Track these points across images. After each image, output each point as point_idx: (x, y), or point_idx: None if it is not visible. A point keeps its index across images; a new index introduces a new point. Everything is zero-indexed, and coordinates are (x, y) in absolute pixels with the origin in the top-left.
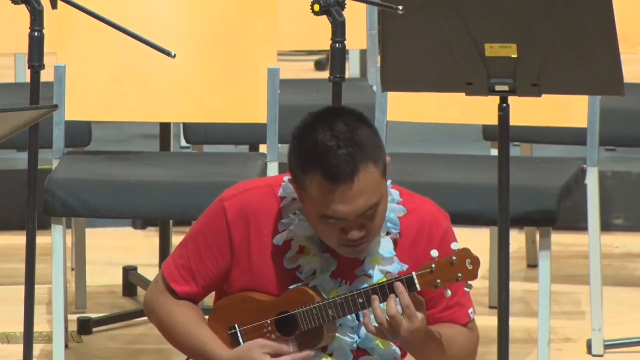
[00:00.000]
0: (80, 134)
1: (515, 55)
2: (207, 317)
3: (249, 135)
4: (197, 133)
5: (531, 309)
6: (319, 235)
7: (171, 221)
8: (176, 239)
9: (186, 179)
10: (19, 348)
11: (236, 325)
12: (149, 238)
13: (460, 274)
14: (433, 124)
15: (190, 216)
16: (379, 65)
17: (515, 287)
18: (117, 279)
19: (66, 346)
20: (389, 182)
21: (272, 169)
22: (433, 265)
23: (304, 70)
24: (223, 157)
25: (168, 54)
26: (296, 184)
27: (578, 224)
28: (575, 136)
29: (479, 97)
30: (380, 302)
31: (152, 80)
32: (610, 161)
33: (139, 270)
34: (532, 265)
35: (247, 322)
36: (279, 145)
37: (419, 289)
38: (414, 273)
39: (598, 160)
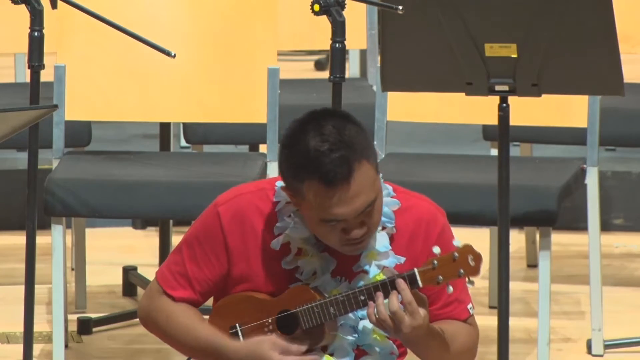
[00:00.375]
0: (80, 134)
1: (515, 55)
2: (206, 317)
3: (249, 135)
4: (197, 133)
5: (531, 309)
6: (320, 238)
7: (171, 221)
8: (176, 239)
9: (186, 179)
10: (19, 348)
11: (237, 325)
12: (149, 238)
13: (462, 270)
14: (433, 124)
15: (190, 216)
16: (379, 65)
17: (515, 287)
18: (117, 279)
19: (66, 346)
20: (380, 176)
21: (272, 169)
22: (435, 262)
23: (304, 70)
24: (223, 157)
25: (168, 54)
26: (291, 192)
27: (578, 224)
28: (575, 136)
29: (479, 97)
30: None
31: (152, 80)
32: (610, 161)
33: (139, 270)
34: (532, 265)
35: (248, 322)
36: (279, 145)
37: (421, 285)
38: (416, 270)
39: (598, 160)
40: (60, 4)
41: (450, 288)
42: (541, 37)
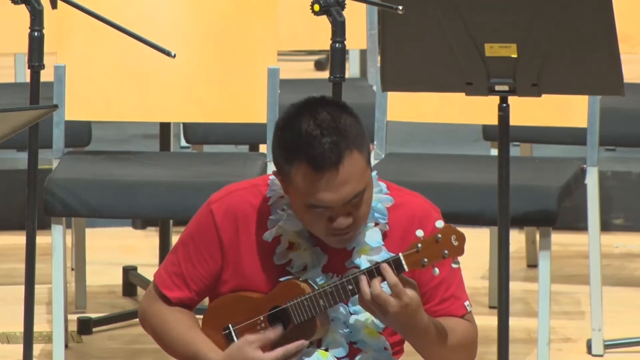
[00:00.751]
0: (80, 134)
1: (515, 55)
2: (201, 318)
3: (249, 135)
4: (197, 133)
5: (531, 309)
6: (306, 225)
7: (171, 221)
8: (176, 239)
9: (186, 179)
10: (19, 348)
11: (230, 326)
12: (149, 238)
13: (446, 251)
14: (433, 124)
15: (190, 216)
16: (379, 65)
17: (515, 287)
18: (117, 279)
19: (66, 346)
20: (374, 173)
21: (272, 169)
22: (419, 245)
23: (304, 70)
24: (223, 157)
25: (168, 54)
26: (281, 175)
27: (578, 224)
28: (575, 136)
29: (479, 97)
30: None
31: (152, 80)
32: (610, 161)
33: (139, 270)
34: (532, 265)
35: (240, 321)
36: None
37: (407, 269)
38: (400, 254)
39: (598, 160)
40: (60, 4)
41: (437, 270)
42: (541, 37)
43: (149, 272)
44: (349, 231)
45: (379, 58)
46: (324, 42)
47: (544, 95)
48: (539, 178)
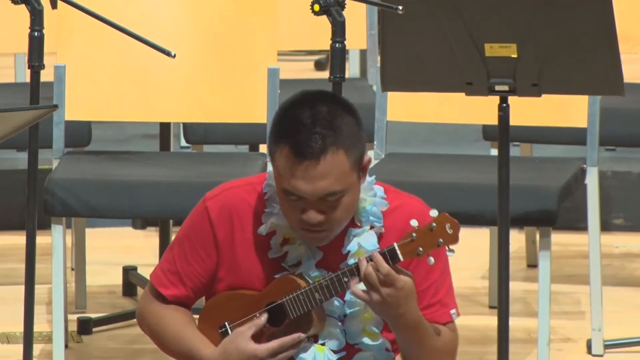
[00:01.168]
0: (80, 134)
1: (515, 55)
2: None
3: (249, 135)
4: (197, 133)
5: (531, 309)
6: (284, 214)
7: (171, 221)
8: None
9: (186, 179)
10: (19, 348)
11: (226, 323)
12: (149, 238)
13: (441, 240)
14: (433, 124)
15: None
16: (379, 65)
17: (515, 287)
18: (117, 279)
19: (66, 346)
20: (372, 178)
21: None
22: (414, 234)
23: (304, 70)
24: (223, 157)
25: (168, 54)
26: (269, 156)
27: (578, 224)
28: (575, 136)
29: (479, 97)
30: None
31: (152, 80)
32: (610, 161)
33: (139, 270)
34: (532, 265)
35: (236, 319)
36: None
37: (402, 259)
38: (395, 244)
39: (598, 160)
40: (60, 4)
41: (431, 259)
42: (541, 37)
43: (149, 272)
44: (320, 230)
45: (379, 58)
46: (324, 42)
47: (544, 95)
48: (539, 178)
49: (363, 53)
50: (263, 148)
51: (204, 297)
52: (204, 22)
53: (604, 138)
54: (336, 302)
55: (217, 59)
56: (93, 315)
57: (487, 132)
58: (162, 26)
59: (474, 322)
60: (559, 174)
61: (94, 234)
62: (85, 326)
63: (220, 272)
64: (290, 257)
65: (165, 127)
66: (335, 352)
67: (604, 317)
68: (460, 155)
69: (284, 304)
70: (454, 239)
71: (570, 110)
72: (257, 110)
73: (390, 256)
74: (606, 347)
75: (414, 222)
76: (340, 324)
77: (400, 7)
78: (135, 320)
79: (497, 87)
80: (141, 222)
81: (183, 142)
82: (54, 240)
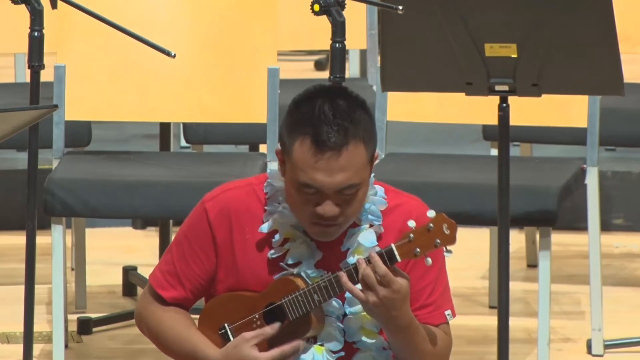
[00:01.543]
0: (80, 134)
1: (515, 55)
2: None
3: (249, 135)
4: (197, 133)
5: (531, 309)
6: (293, 209)
7: (171, 221)
8: None
9: (186, 179)
10: (19, 348)
11: (225, 325)
12: (149, 238)
13: (438, 240)
14: (433, 124)
15: None
16: (379, 65)
17: (515, 287)
18: (117, 279)
19: (66, 346)
20: (372, 176)
21: (272, 169)
22: (411, 235)
23: (304, 70)
24: (223, 157)
25: (168, 54)
26: (283, 150)
27: (578, 224)
28: (575, 136)
29: (479, 97)
30: None
31: (152, 80)
32: (610, 161)
33: (139, 270)
34: (532, 265)
35: (236, 320)
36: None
37: (399, 260)
38: (393, 244)
39: (598, 160)
40: (60, 4)
41: (429, 260)
42: (541, 37)
43: (149, 272)
44: (332, 223)
45: (379, 58)
46: (324, 42)
47: (544, 95)
48: (539, 178)
49: (363, 53)
50: (263, 148)
51: (203, 298)
52: (204, 22)
53: (604, 138)
54: (335, 303)
55: (217, 59)
56: (93, 315)
57: (487, 132)
58: (162, 26)
59: (474, 322)
60: (559, 174)
61: (94, 234)
62: (85, 326)
63: (219, 274)
64: (291, 256)
65: (165, 127)
66: (334, 352)
67: (603, 317)
68: (460, 155)
69: (283, 305)
70: (452, 239)
71: (570, 110)
72: (257, 110)
73: (387, 257)
74: (606, 347)
75: (411, 223)
76: (339, 323)
77: (400, 7)
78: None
79: (497, 87)
80: (141, 222)
81: (183, 142)
82: (54, 240)
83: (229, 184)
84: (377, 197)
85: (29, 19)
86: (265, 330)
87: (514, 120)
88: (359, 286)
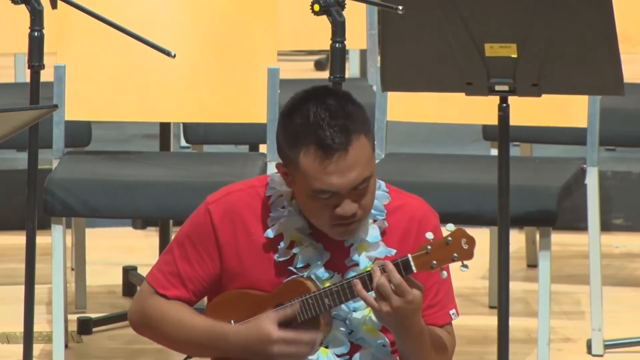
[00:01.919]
0: (80, 134)
1: (515, 55)
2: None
3: (249, 135)
4: (197, 133)
5: (531, 309)
6: (310, 217)
7: (171, 221)
8: None
9: (186, 179)
10: (19, 348)
11: (232, 321)
12: (149, 238)
13: (456, 254)
14: (433, 124)
15: None
16: (379, 65)
17: (515, 287)
18: (117, 279)
19: (66, 346)
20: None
21: (272, 169)
22: (429, 247)
23: (304, 70)
24: (223, 157)
25: (168, 54)
26: (286, 164)
27: (578, 224)
28: (575, 136)
29: (479, 97)
30: None
31: (152, 80)
32: (610, 161)
33: (139, 270)
34: (532, 265)
35: (242, 318)
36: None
37: (415, 270)
38: (409, 255)
39: (598, 160)
40: (60, 4)
41: (445, 273)
42: (541, 37)
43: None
44: (353, 220)
45: (379, 58)
46: (324, 42)
47: (544, 95)
48: (539, 178)
49: (363, 53)
50: (263, 148)
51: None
52: (204, 22)
53: (604, 138)
54: (344, 306)
55: (217, 59)
56: (93, 315)
57: (487, 132)
58: (162, 26)
59: (474, 322)
60: (559, 174)
61: (94, 234)
62: (85, 326)
63: (224, 276)
64: (299, 260)
65: (165, 127)
66: (339, 356)
67: (603, 317)
68: (460, 155)
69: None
70: (469, 254)
71: (570, 110)
72: (257, 110)
73: (403, 267)
74: (606, 347)
75: (429, 235)
76: (346, 325)
77: (400, 7)
78: None
79: (497, 87)
80: (141, 222)
81: (183, 142)
82: (54, 240)
83: (231, 186)
84: (380, 191)
85: (29, 19)
86: (285, 311)
87: (514, 120)
88: (372, 294)
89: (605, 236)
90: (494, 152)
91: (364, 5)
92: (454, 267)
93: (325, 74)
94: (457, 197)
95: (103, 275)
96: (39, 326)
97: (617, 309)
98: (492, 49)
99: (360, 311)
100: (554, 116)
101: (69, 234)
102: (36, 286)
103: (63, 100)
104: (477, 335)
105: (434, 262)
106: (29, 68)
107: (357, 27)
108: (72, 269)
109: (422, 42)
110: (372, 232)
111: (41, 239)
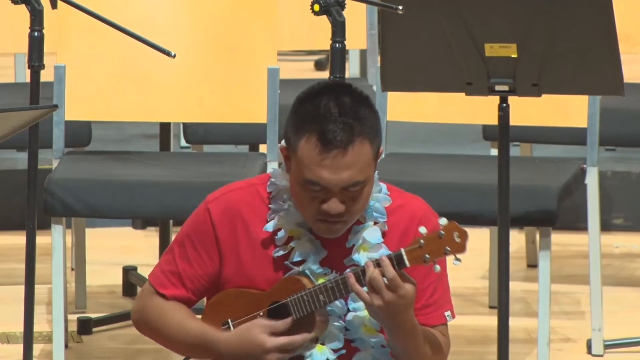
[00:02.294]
0: (80, 134)
1: (515, 55)
2: (199, 316)
3: (249, 135)
4: (197, 133)
5: (531, 309)
6: (299, 206)
7: (171, 221)
8: None
9: (186, 179)
10: (19, 348)
11: (229, 320)
12: (149, 238)
13: (448, 248)
14: (433, 124)
15: None
16: (379, 65)
17: (515, 287)
18: (117, 279)
19: (66, 346)
20: (375, 173)
21: (272, 169)
22: (422, 241)
23: (304, 70)
24: (223, 157)
25: (168, 54)
26: (288, 147)
27: (578, 224)
28: (575, 136)
29: (479, 97)
30: None
31: (152, 80)
32: (610, 161)
33: (139, 270)
34: (532, 265)
35: (240, 316)
36: (279, 145)
37: (408, 265)
38: (402, 249)
39: (598, 160)
40: (60, 4)
41: (437, 267)
42: (541, 37)
43: (148, 272)
44: (338, 220)
45: (379, 58)
46: (324, 42)
47: (544, 95)
48: (539, 178)
49: (363, 53)
50: (263, 148)
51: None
52: (204, 22)
53: (604, 138)
54: (338, 302)
55: (217, 59)
56: (93, 315)
57: (487, 132)
58: (162, 26)
59: (474, 322)
60: (559, 174)
61: (94, 234)
62: (85, 326)
63: (224, 275)
64: (296, 254)
65: (165, 127)
66: (334, 351)
67: (603, 317)
68: (460, 155)
69: (288, 304)
70: (462, 248)
71: (570, 110)
72: (257, 110)
73: (396, 261)
74: (606, 347)
75: (422, 229)
76: (341, 322)
77: (400, 7)
78: None
79: (497, 87)
80: (141, 222)
81: (183, 142)
82: (54, 240)
83: (231, 185)
84: (381, 194)
85: (29, 19)
86: (278, 325)
87: (514, 120)
88: (365, 289)
89: (605, 236)
90: (494, 152)
91: (364, 5)
92: (451, 267)
93: (325, 74)
94: (457, 197)
95: (103, 275)
96: (39, 326)
97: (617, 309)
98: (492, 49)
99: (360, 311)
100: (554, 116)
101: (69, 234)
102: (36, 286)
103: (63, 100)
104: (476, 335)
105: (427, 255)
106: (29, 68)
107: (357, 27)
108: (72, 269)
109: (422, 42)
110: (374, 234)
111: (41, 239)
